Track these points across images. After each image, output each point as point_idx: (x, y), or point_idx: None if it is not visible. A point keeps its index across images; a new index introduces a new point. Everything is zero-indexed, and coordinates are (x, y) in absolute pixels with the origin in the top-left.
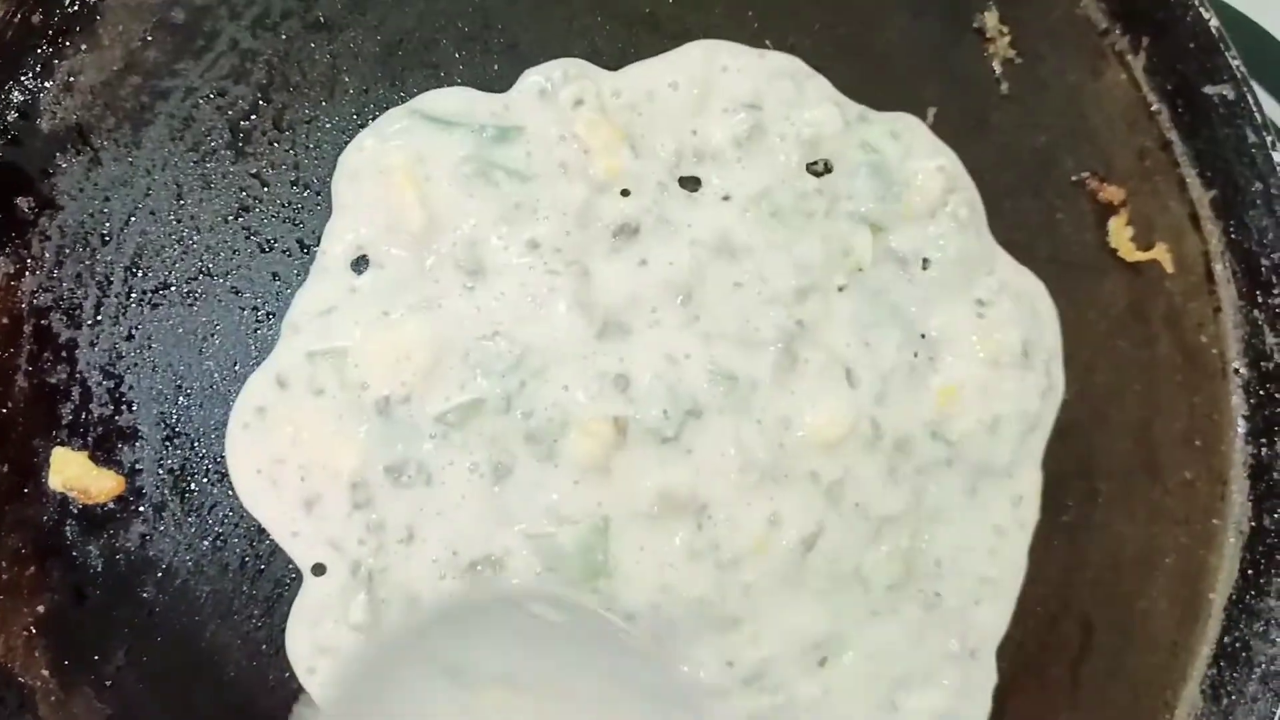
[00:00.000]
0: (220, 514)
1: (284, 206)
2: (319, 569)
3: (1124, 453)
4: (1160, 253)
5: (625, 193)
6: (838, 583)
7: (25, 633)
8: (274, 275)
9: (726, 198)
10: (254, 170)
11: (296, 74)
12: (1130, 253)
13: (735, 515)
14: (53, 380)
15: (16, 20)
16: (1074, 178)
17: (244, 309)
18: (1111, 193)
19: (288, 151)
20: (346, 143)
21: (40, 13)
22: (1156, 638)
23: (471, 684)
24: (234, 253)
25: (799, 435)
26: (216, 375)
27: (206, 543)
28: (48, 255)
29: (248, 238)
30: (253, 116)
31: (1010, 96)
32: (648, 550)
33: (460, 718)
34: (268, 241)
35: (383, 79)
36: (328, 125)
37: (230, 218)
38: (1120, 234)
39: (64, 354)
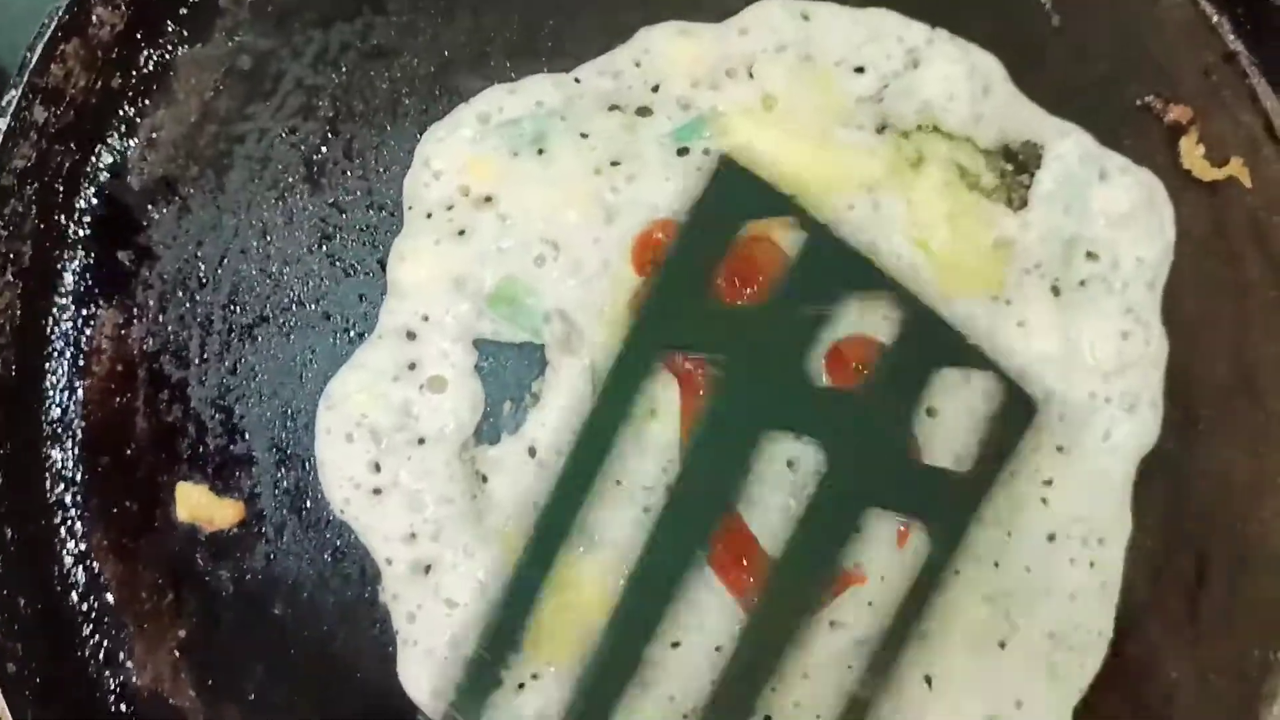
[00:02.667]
0: (336, 527)
1: (362, 231)
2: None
3: (1220, 378)
4: (1236, 168)
5: None
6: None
7: (170, 658)
8: (360, 297)
9: None
10: (331, 200)
11: (360, 103)
12: (1205, 171)
13: None
14: (169, 419)
15: (98, 85)
16: (1138, 102)
17: (336, 331)
18: (1179, 112)
19: (360, 179)
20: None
21: (119, 76)
22: (1273, 559)
23: None
24: (321, 280)
25: None
26: (318, 396)
27: (327, 555)
28: (151, 303)
29: (332, 264)
30: (324, 149)
31: (1062, 29)
32: None
33: None
34: (351, 266)
35: (440, 96)
36: (394, 147)
37: (314, 248)
38: (1192, 153)
39: (176, 393)
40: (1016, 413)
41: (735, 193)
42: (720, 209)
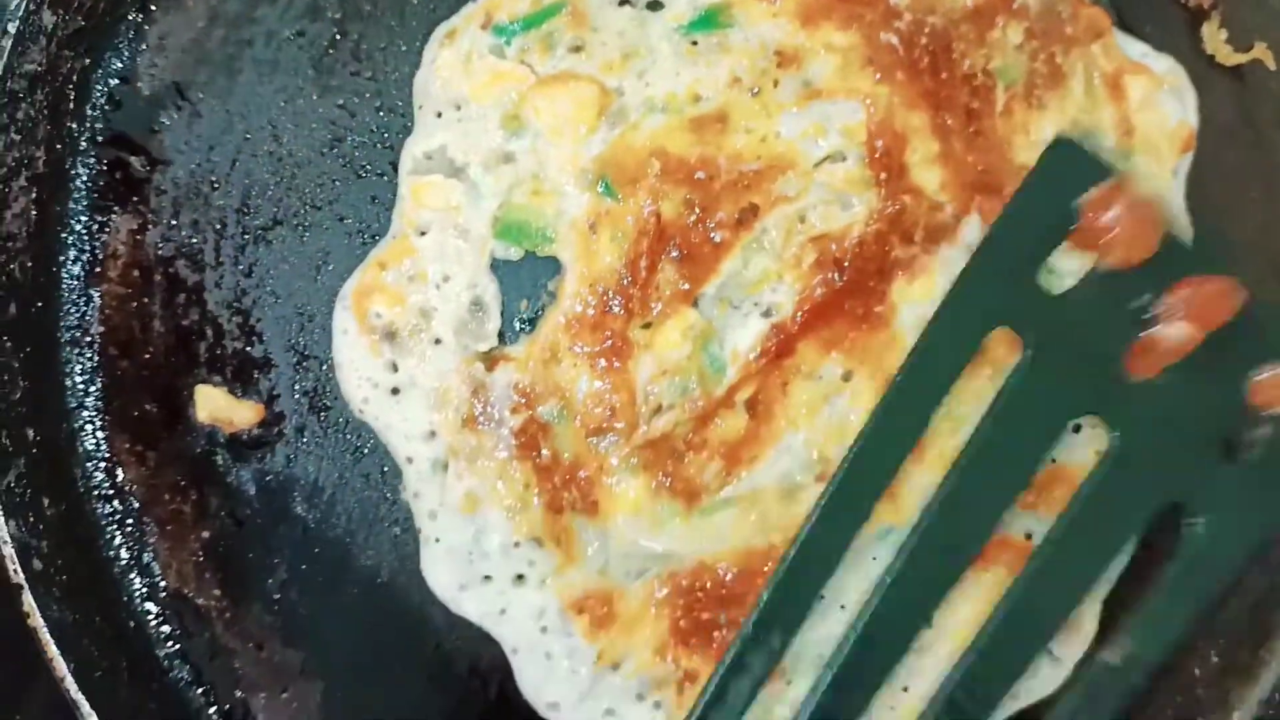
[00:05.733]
0: (356, 427)
1: (373, 132)
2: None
3: (1248, 261)
4: (1260, 51)
5: None
6: None
7: (194, 558)
8: (373, 198)
9: None
10: (340, 102)
11: (367, 4)
12: (1228, 56)
13: None
14: (186, 322)
15: None
16: None
17: (349, 234)
18: None
19: (369, 79)
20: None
21: None
22: None
23: None
24: (333, 182)
25: None
26: (334, 298)
27: (347, 456)
28: (165, 207)
29: (344, 166)
30: (332, 51)
31: None
32: None
33: None
34: (362, 168)
35: None
36: (402, 49)
37: (326, 150)
38: (1215, 38)
39: (193, 297)
40: None
41: (1070, 168)
42: (1054, 186)
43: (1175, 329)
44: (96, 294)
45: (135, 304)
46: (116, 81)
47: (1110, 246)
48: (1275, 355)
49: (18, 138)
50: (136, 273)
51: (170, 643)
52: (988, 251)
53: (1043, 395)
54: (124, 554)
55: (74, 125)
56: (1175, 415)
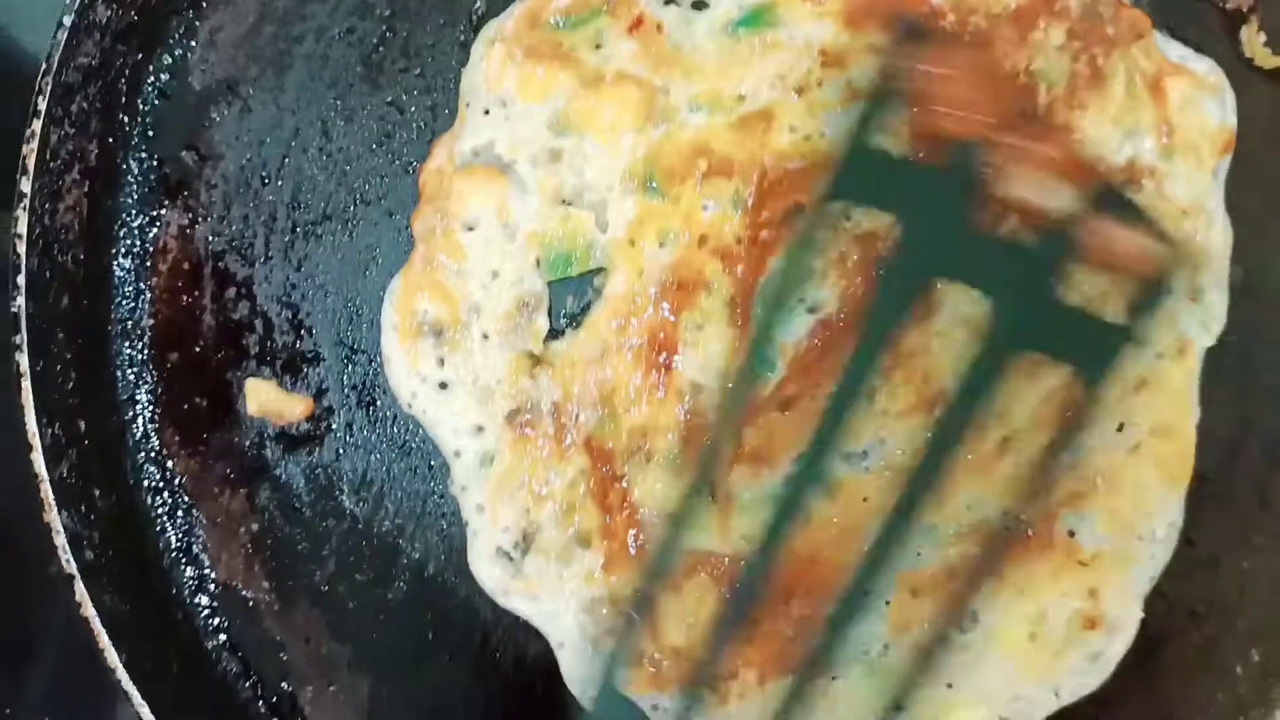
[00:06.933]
0: (404, 421)
1: (422, 129)
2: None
3: None
4: None
5: None
6: None
7: (243, 551)
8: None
9: None
10: (389, 99)
11: (416, 1)
12: (1266, 59)
13: None
14: (236, 316)
15: None
16: None
17: (399, 230)
18: (1239, 0)
19: (418, 76)
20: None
21: None
22: None
23: None
24: (382, 178)
25: None
26: (383, 292)
27: (395, 450)
28: (216, 202)
29: (393, 162)
30: (381, 48)
31: None
32: None
33: None
34: (411, 164)
35: None
36: (451, 46)
37: (375, 146)
38: (1254, 41)
39: (243, 290)
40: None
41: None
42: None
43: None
44: (147, 287)
45: (186, 298)
46: (168, 76)
47: None
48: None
49: (71, 131)
50: (187, 266)
51: (219, 635)
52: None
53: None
54: (174, 546)
55: (126, 119)
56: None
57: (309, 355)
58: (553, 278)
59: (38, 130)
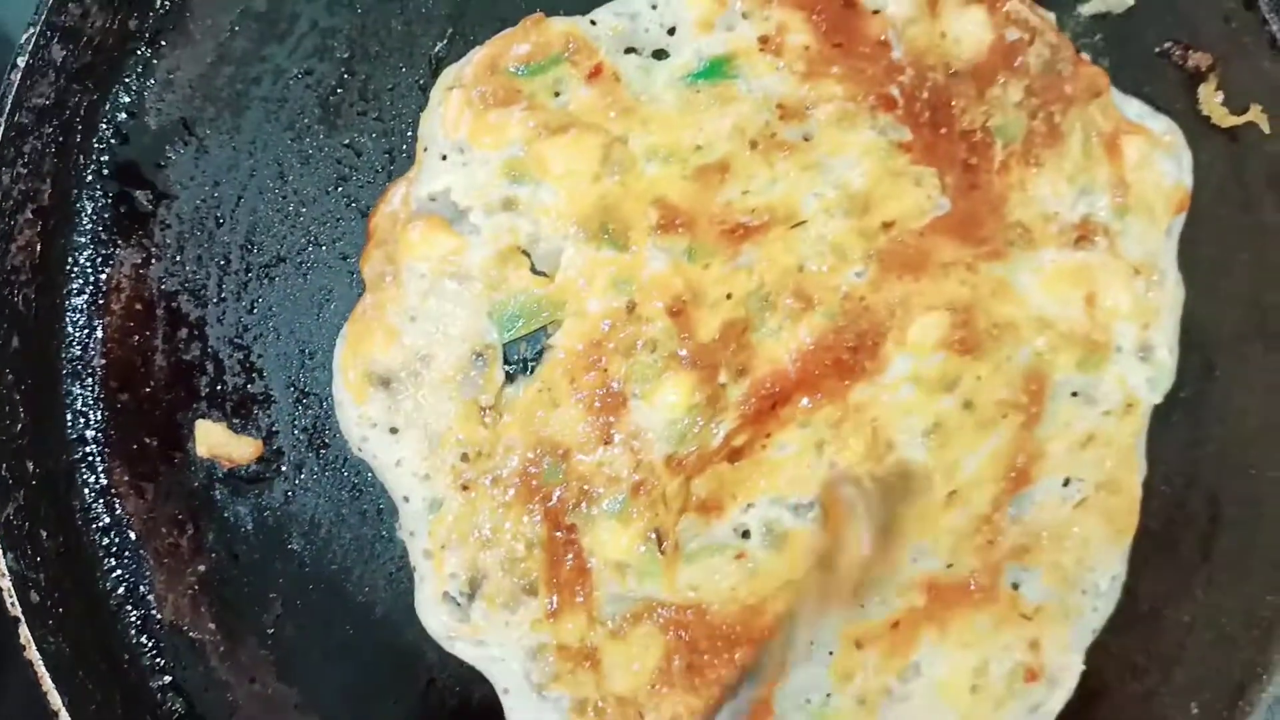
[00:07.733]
0: (354, 465)
1: (378, 172)
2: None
3: (1236, 323)
4: (1256, 114)
5: None
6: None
7: (190, 592)
8: None
9: None
10: (347, 141)
11: (375, 44)
12: (1224, 118)
13: None
14: (188, 357)
15: (115, 25)
16: (1158, 49)
17: (352, 273)
18: (1199, 59)
19: (376, 120)
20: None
21: (135, 16)
22: None
23: None
24: (338, 221)
25: None
26: (335, 336)
27: (344, 493)
28: (169, 242)
29: (349, 205)
30: (339, 90)
31: None
32: None
33: None
34: (367, 207)
35: (455, 38)
36: (409, 90)
37: (330, 188)
38: (1211, 100)
39: (195, 332)
40: None
41: None
42: None
43: None
44: (99, 327)
45: (137, 338)
46: (124, 116)
47: None
48: None
49: (24, 171)
50: (139, 306)
51: (165, 675)
52: None
53: None
54: (120, 587)
55: (80, 158)
56: None
57: (260, 397)
58: (507, 339)
59: None
